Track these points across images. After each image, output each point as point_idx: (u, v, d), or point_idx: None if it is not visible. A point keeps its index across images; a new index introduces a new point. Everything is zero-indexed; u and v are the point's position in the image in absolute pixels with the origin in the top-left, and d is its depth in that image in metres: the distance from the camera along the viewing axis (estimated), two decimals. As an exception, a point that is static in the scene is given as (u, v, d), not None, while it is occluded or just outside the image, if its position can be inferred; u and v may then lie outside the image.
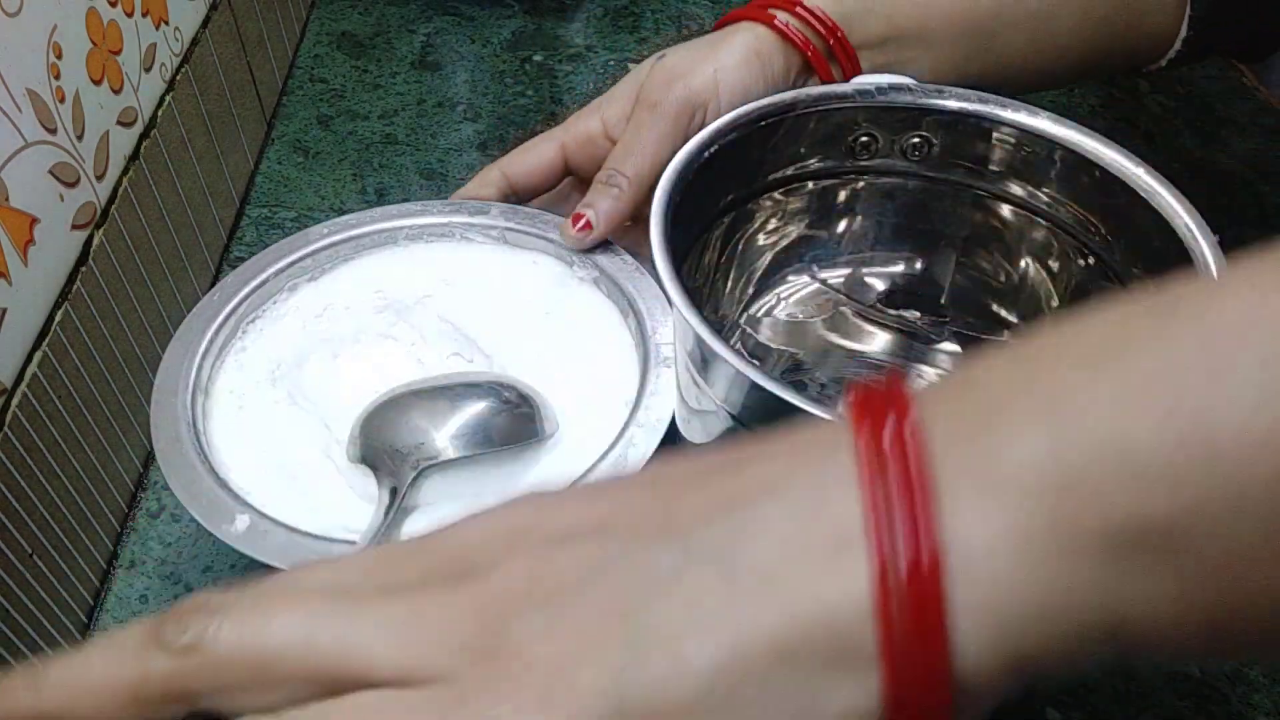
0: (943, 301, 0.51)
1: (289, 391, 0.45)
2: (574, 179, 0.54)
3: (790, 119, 0.46)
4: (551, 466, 0.42)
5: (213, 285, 0.62)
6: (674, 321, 0.44)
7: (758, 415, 0.36)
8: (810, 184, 0.50)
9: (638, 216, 0.48)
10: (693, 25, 0.83)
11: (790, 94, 0.46)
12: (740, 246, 0.51)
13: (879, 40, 0.49)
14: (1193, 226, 0.38)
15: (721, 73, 0.47)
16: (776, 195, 0.50)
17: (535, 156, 0.52)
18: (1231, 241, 0.63)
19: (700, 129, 0.45)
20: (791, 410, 0.33)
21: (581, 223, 0.47)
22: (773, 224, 0.51)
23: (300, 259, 0.49)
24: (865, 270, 0.52)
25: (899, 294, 0.52)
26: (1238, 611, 0.18)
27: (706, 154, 0.44)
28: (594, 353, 0.46)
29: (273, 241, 0.65)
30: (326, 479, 0.43)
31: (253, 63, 0.71)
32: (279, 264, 0.48)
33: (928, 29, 0.49)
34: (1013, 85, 0.49)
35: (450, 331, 0.48)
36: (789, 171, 0.49)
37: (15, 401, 0.42)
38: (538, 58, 0.80)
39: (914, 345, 0.51)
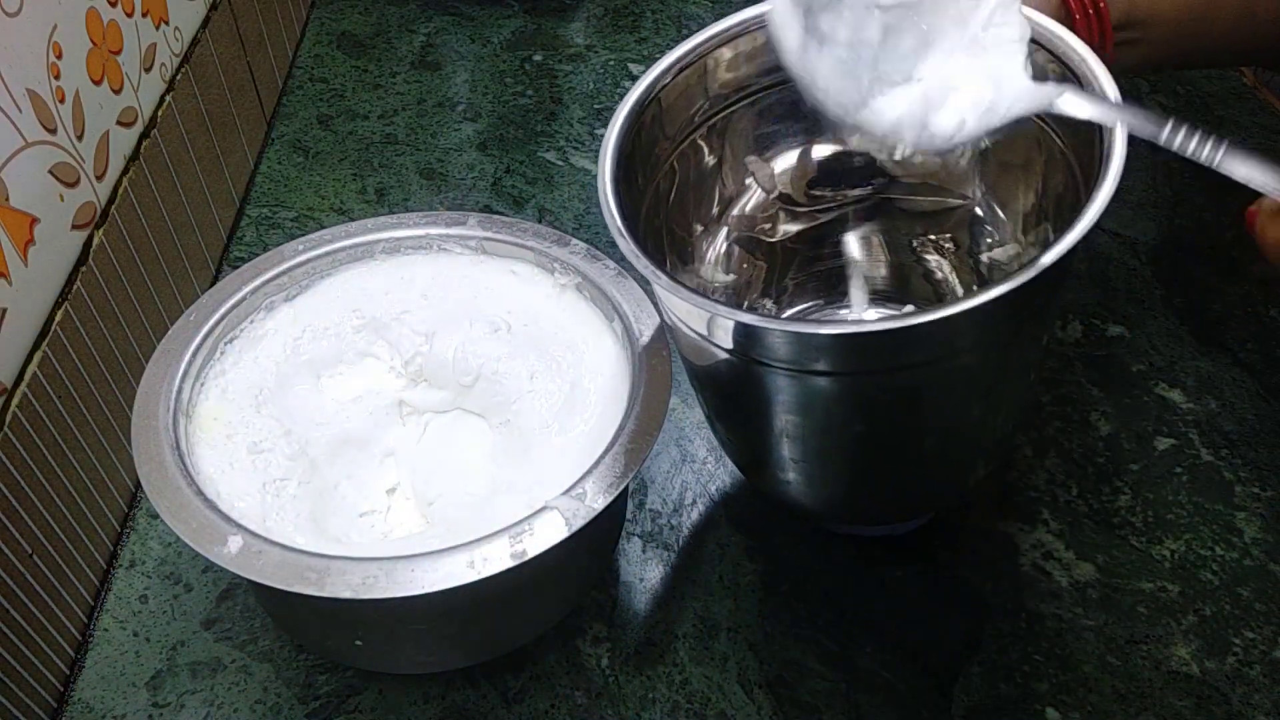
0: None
1: (276, 417, 0.45)
2: None
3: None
4: (552, 469, 0.42)
5: (213, 285, 0.62)
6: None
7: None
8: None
9: None
10: (693, 25, 0.83)
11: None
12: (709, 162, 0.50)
13: (1118, 24, 0.50)
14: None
15: None
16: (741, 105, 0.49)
17: None
18: (1231, 242, 0.63)
19: None
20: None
21: None
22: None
23: (275, 277, 0.47)
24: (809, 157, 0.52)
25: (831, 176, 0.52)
26: None
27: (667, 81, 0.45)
28: (582, 357, 0.46)
29: (273, 242, 0.65)
30: (321, 500, 0.43)
31: (253, 63, 0.71)
32: (254, 283, 0.47)
33: (1158, 13, 0.50)
34: (1215, 65, 0.49)
35: (430, 347, 0.48)
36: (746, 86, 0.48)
37: (15, 401, 0.42)
38: (538, 58, 0.80)
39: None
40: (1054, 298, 0.40)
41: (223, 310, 0.46)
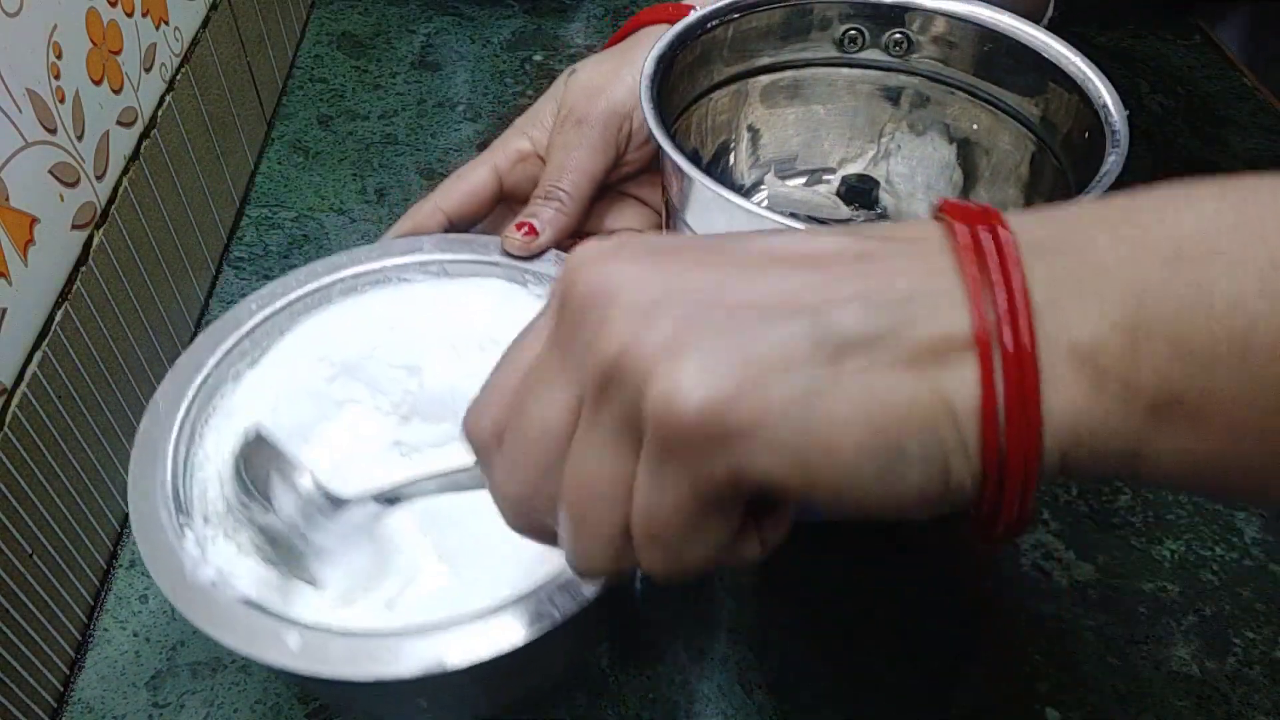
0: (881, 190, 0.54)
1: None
2: (505, 205, 0.53)
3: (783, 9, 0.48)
4: None
5: (212, 285, 0.62)
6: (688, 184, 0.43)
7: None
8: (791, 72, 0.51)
9: (579, 232, 0.49)
10: (693, 25, 0.83)
11: None
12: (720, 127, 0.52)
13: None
14: (1110, 105, 0.42)
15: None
16: (763, 80, 0.51)
17: (468, 183, 0.51)
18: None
19: (628, 139, 0.48)
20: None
21: (525, 229, 0.47)
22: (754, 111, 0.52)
23: (236, 343, 0.44)
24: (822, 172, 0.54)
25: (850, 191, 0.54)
26: (1235, 466, 0.22)
27: (702, 30, 0.46)
28: None
29: (273, 242, 0.65)
30: (337, 571, 0.40)
31: (253, 63, 0.71)
32: (216, 354, 0.43)
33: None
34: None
35: (420, 384, 0.46)
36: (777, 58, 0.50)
37: (15, 401, 0.42)
38: (538, 58, 0.80)
39: None
40: None
41: (191, 392, 0.42)
